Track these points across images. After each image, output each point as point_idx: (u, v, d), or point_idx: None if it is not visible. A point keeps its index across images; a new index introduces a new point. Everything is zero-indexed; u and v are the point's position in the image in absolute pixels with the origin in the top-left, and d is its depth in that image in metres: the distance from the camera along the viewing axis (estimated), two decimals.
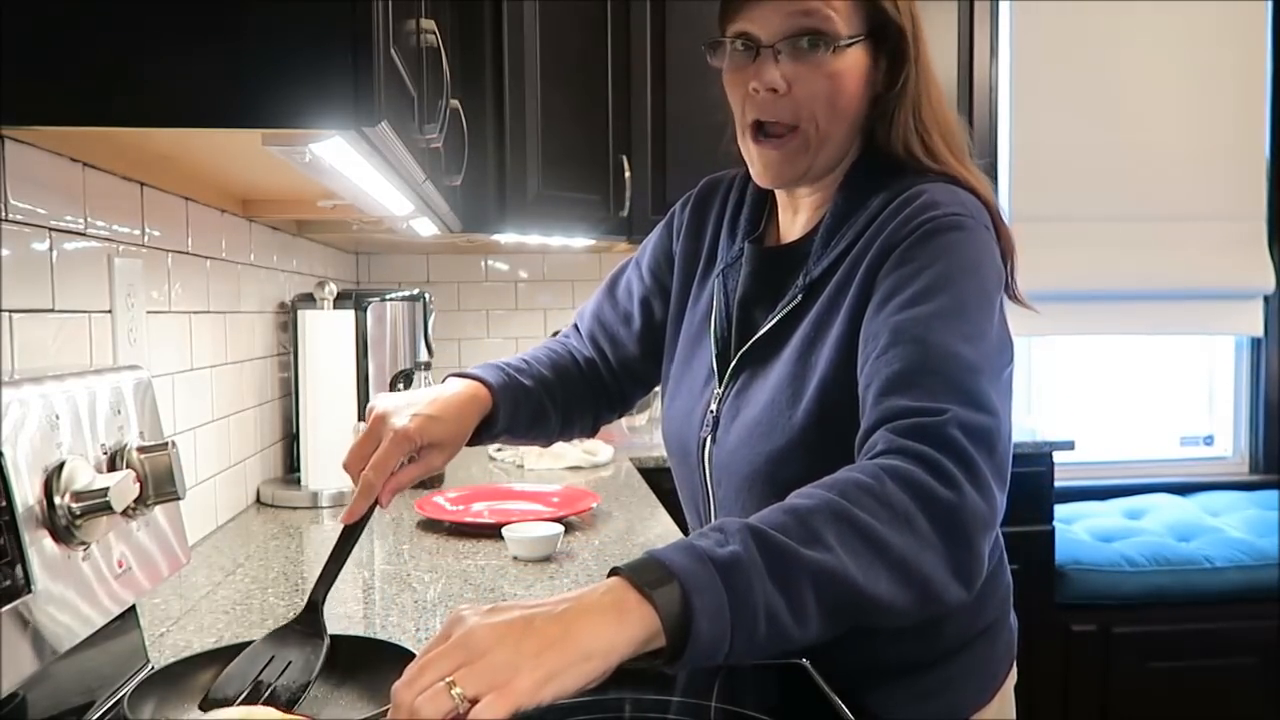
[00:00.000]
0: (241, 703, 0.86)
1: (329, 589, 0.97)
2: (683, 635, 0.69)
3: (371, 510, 1.00)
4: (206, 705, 0.87)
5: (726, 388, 1.11)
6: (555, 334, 1.39)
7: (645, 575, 0.70)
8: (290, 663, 0.91)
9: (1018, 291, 1.06)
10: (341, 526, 1.00)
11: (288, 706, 0.86)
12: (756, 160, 1.08)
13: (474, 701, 0.64)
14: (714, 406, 1.11)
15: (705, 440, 1.12)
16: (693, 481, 1.17)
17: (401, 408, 1.05)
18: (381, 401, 1.07)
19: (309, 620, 0.95)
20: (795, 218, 1.14)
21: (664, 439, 1.23)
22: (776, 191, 1.15)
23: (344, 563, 0.98)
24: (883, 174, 1.05)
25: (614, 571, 0.72)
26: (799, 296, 1.05)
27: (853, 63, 1.02)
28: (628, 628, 0.68)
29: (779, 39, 1.01)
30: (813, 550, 0.73)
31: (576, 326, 1.36)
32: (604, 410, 1.33)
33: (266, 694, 0.87)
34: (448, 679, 0.64)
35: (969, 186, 1.03)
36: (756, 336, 1.08)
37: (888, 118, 1.05)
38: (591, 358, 1.31)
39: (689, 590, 0.69)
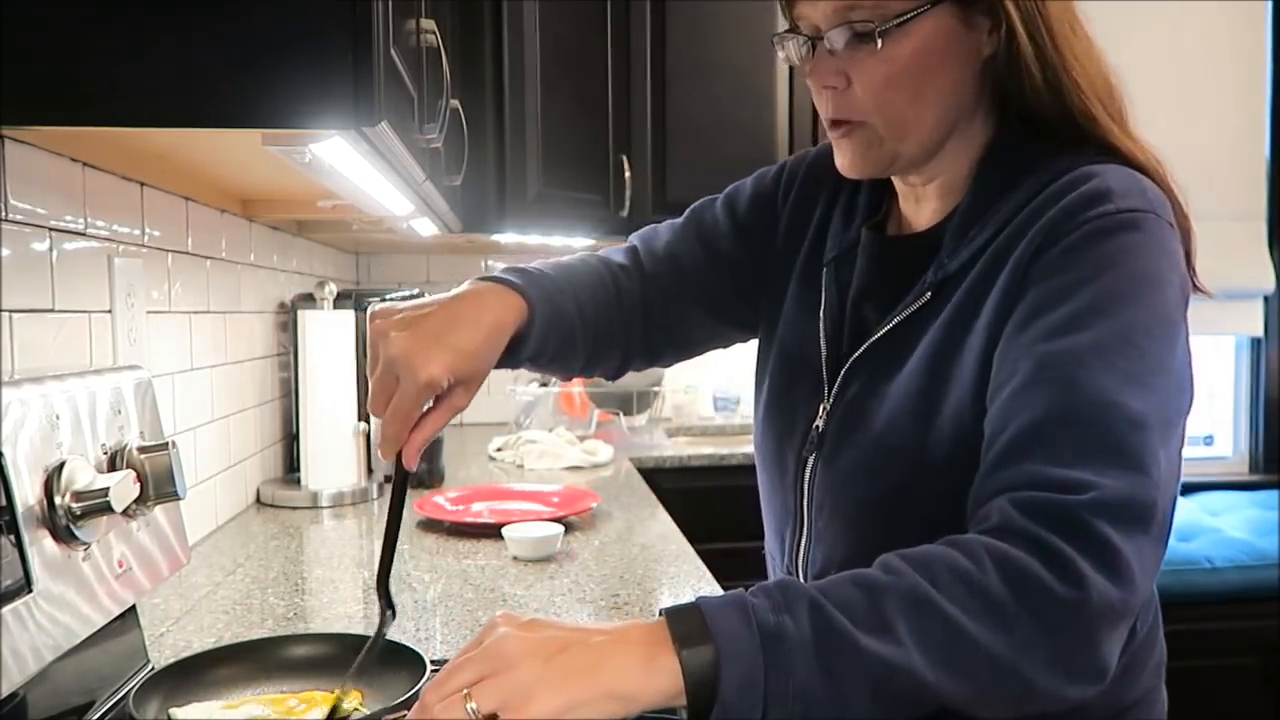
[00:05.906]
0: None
1: (389, 569, 0.90)
2: (708, 699, 0.65)
3: (406, 478, 0.88)
4: None
5: (836, 400, 0.94)
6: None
7: (684, 626, 0.66)
8: None
9: (1199, 281, 0.87)
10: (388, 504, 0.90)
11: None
12: (836, 152, 0.92)
13: (488, 716, 0.63)
14: (819, 422, 0.94)
15: (808, 460, 0.95)
16: (785, 504, 0.99)
17: (421, 337, 0.85)
18: (392, 328, 0.86)
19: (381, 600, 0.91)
20: (919, 206, 0.95)
21: (756, 451, 1.06)
22: (892, 178, 0.97)
23: (397, 534, 0.89)
24: (1030, 151, 0.87)
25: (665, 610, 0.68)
26: (927, 295, 0.88)
27: (924, 38, 0.83)
28: (654, 679, 0.65)
29: (830, 28, 0.85)
30: (874, 638, 0.66)
31: (636, 253, 1.10)
32: (634, 359, 1.10)
33: None
34: (466, 690, 0.64)
35: (1144, 166, 0.85)
36: (873, 339, 0.91)
37: (1015, 83, 0.85)
38: (642, 298, 1.07)
39: (721, 657, 0.65)
